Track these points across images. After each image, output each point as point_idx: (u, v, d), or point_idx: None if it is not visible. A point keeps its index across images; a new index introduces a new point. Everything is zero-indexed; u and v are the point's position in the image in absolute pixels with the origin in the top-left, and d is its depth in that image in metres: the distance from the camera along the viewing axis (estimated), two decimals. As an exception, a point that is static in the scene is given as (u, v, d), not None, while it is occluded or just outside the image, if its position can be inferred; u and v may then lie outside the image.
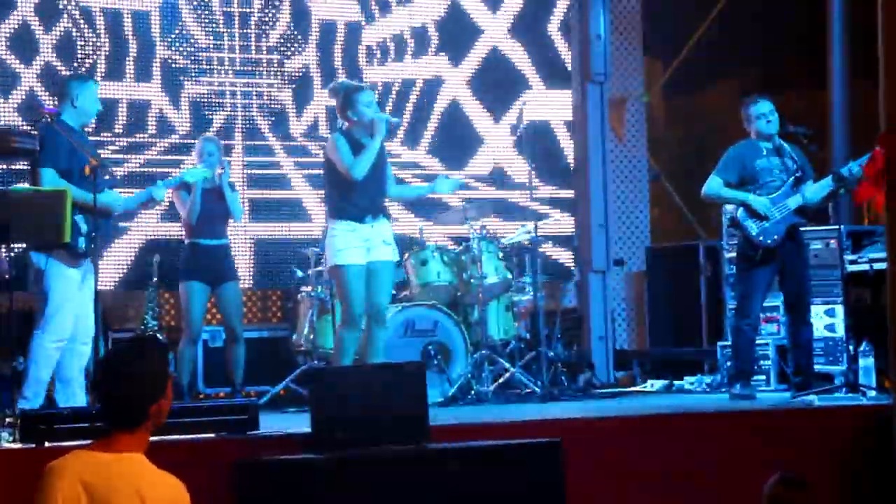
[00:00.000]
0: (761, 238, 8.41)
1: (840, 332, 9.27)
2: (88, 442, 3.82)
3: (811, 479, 7.00)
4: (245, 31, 10.53)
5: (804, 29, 12.37)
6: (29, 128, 7.77)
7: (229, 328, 9.06)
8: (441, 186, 8.58)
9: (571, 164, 11.72)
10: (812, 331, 8.72)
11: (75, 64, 9.83)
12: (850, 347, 8.66)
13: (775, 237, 8.40)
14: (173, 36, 10.26)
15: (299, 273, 9.83)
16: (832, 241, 9.31)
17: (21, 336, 7.18)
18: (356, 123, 8.02)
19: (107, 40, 10.01)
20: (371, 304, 7.96)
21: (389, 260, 8.05)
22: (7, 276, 7.08)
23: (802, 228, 8.58)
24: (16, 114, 9.56)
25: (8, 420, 6.26)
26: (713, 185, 8.59)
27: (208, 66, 10.39)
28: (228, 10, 10.49)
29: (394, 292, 9.64)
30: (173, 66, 10.26)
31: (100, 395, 3.76)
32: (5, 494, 5.41)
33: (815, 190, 8.47)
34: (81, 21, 9.92)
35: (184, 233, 9.06)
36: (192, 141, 9.66)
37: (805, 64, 12.46)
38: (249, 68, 10.53)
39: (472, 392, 9.07)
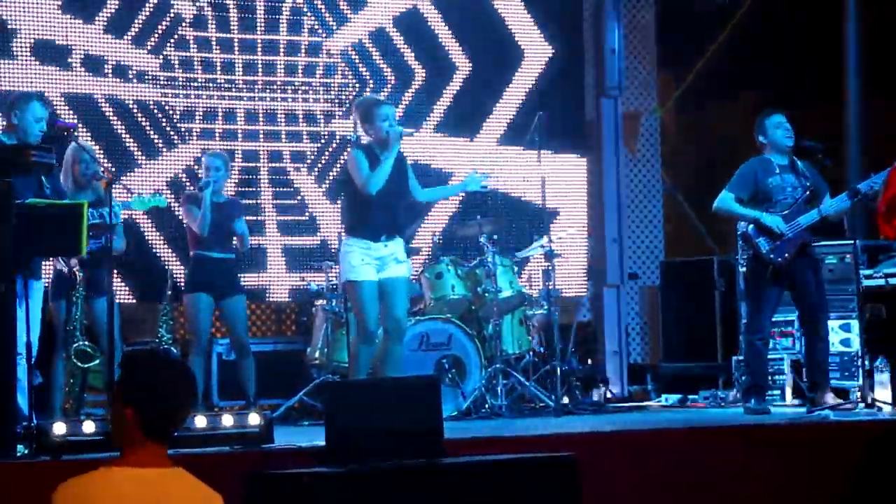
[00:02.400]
0: (772, 256, 8.39)
1: (855, 346, 9.26)
2: (112, 456, 3.79)
3: (825, 494, 7.02)
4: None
5: (819, 44, 12.36)
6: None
7: (236, 342, 9.06)
8: (472, 184, 8.60)
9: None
10: (827, 346, 8.70)
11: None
12: (866, 362, 8.64)
13: (786, 255, 8.38)
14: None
15: (314, 286, 9.84)
16: (848, 256, 9.30)
17: (42, 349, 7.15)
18: (374, 138, 8.06)
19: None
20: (390, 319, 8.00)
21: (403, 276, 8.10)
22: None
23: (816, 244, 8.58)
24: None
25: (24, 433, 6.26)
26: (725, 200, 8.57)
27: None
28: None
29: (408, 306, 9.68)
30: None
31: (137, 407, 3.73)
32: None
33: (832, 205, 8.46)
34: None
35: (189, 245, 9.08)
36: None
37: (820, 80, 12.44)
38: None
39: (486, 406, 9.07)
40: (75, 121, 9.36)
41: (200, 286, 8.88)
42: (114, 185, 7.53)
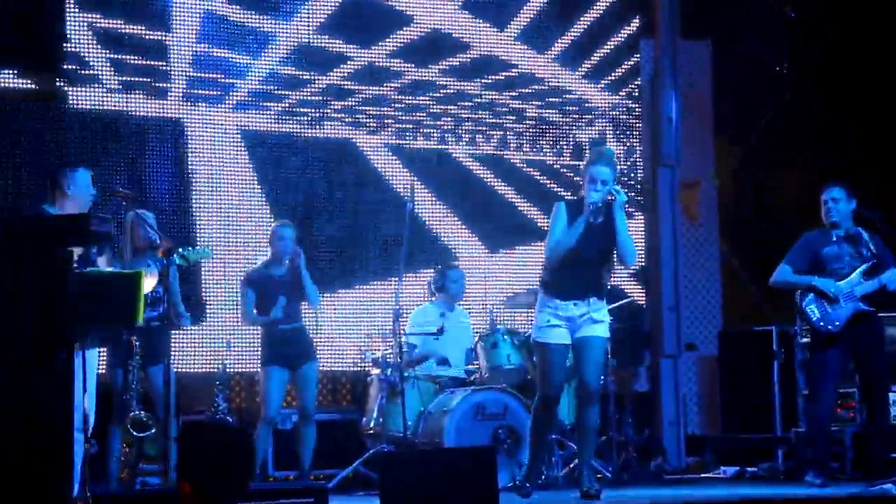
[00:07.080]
0: (822, 324, 8.33)
1: (919, 418, 9.14)
2: None
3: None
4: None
5: (879, 112, 12.29)
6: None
7: (301, 407, 9.06)
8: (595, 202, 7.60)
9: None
10: (889, 417, 8.59)
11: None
12: (929, 435, 8.51)
13: (836, 323, 8.31)
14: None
15: (370, 355, 9.83)
16: (910, 327, 9.21)
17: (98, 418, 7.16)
18: (584, 192, 7.63)
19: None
20: (579, 382, 7.71)
21: (597, 336, 7.64)
22: None
23: (879, 314, 8.48)
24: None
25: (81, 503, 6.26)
26: (782, 272, 8.56)
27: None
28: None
29: (464, 376, 9.64)
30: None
31: (193, 483, 3.73)
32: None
33: (893, 278, 8.37)
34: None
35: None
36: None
37: (879, 147, 12.36)
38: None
39: (542, 476, 8.99)
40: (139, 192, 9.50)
41: (273, 360, 8.96)
42: (172, 253, 7.58)
